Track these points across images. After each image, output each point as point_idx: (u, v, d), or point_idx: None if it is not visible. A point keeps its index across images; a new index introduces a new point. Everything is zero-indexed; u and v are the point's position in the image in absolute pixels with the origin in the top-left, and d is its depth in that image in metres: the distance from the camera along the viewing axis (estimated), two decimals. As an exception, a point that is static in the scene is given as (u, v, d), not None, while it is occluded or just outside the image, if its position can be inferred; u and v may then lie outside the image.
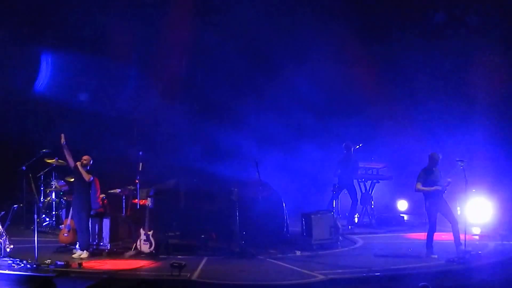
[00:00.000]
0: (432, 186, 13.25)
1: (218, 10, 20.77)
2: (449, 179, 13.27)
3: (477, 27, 18.54)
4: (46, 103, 19.96)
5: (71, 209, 13.94)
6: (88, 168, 13.52)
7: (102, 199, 14.69)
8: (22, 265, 12.12)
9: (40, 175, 16.23)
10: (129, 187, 15.97)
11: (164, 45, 20.84)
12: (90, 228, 13.58)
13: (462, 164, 13.20)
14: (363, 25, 20.39)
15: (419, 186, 13.36)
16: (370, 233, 16.43)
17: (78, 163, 13.46)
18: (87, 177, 13.34)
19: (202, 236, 14.12)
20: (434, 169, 13.41)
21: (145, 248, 13.52)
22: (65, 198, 16.12)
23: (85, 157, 13.57)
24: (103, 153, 19.72)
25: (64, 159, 14.24)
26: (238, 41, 20.94)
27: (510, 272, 12.34)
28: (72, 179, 14.61)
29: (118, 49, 20.40)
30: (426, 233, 13.55)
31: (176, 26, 20.79)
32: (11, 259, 12.37)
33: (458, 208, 13.99)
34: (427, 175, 13.37)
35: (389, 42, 19.87)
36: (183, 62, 21.05)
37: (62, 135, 13.59)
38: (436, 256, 13.21)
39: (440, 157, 13.43)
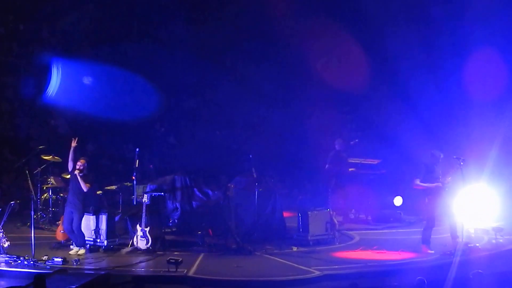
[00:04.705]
0: (433, 183, 13.28)
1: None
2: (449, 178, 13.32)
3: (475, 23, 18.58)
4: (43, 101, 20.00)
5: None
6: (84, 171, 13.39)
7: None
8: (19, 261, 12.11)
9: (37, 172, 16.21)
10: (125, 183, 16.01)
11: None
12: (84, 226, 13.54)
13: (460, 161, 13.22)
14: (361, 21, 20.46)
15: (418, 182, 13.39)
16: (366, 229, 16.48)
17: (77, 171, 13.34)
18: (86, 187, 13.27)
19: (199, 232, 14.12)
20: (435, 166, 13.45)
21: (141, 244, 13.53)
22: (61, 194, 16.12)
23: (80, 162, 13.36)
24: (100, 149, 19.85)
25: (65, 156, 14.15)
26: (227, 38, 21.04)
27: (505, 265, 12.41)
28: (68, 176, 14.60)
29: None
30: (422, 229, 13.62)
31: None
32: (8, 255, 12.35)
33: (456, 204, 14.05)
34: (428, 172, 13.40)
35: (387, 39, 19.91)
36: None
37: (76, 139, 13.52)
38: (432, 252, 13.27)
39: (442, 156, 13.47)
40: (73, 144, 13.47)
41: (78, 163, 13.37)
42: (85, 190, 13.24)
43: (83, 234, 13.43)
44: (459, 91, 18.73)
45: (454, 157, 13.39)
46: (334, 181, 16.46)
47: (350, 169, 17.43)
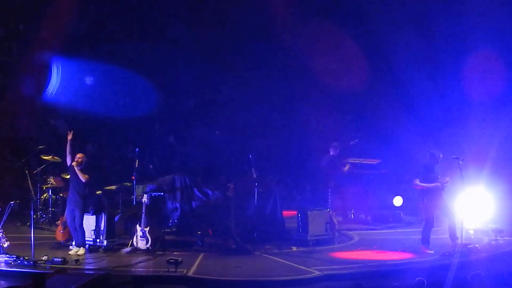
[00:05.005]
0: (432, 183, 13.28)
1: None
2: (447, 178, 13.32)
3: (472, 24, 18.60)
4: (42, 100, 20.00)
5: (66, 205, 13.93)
6: (82, 165, 13.42)
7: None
8: (19, 261, 12.11)
9: (37, 172, 16.21)
10: (125, 183, 16.00)
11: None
12: (84, 226, 13.54)
13: (459, 161, 13.23)
14: (360, 21, 20.45)
15: (418, 182, 13.39)
16: (365, 229, 16.48)
17: (74, 163, 13.38)
18: (84, 178, 13.29)
19: (199, 232, 14.13)
20: (434, 166, 13.45)
21: (141, 244, 13.53)
22: (61, 194, 16.13)
23: (79, 155, 13.49)
24: (100, 149, 19.85)
25: (63, 154, 14.19)
26: (226, 38, 21.05)
27: (504, 266, 12.41)
28: (68, 176, 14.61)
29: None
30: (422, 229, 13.63)
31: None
32: (7, 255, 12.36)
33: (455, 204, 14.07)
34: (427, 172, 13.40)
35: (386, 38, 19.91)
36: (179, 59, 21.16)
37: (71, 132, 13.56)
38: (432, 252, 13.28)
39: (441, 155, 13.47)
40: (69, 137, 13.50)
41: (77, 156, 13.40)
42: (83, 180, 13.25)
43: (84, 232, 13.44)
44: (458, 91, 18.74)
45: (453, 157, 13.39)
46: (333, 182, 16.44)
47: (345, 168, 17.35)
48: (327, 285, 11.60)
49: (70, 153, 13.54)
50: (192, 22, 21.27)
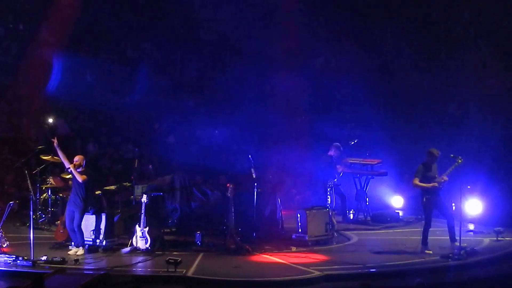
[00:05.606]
0: (430, 182, 13.26)
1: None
2: (445, 177, 13.29)
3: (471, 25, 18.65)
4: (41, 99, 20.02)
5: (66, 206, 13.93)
6: (83, 166, 13.40)
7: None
8: (18, 261, 12.11)
9: (36, 172, 16.21)
10: (124, 183, 16.00)
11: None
12: (84, 226, 13.53)
13: (458, 160, 13.21)
14: (360, 22, 20.48)
15: (417, 181, 13.37)
16: (365, 229, 16.46)
17: (71, 166, 13.35)
18: (81, 178, 13.27)
19: (198, 232, 14.13)
20: (432, 165, 13.44)
21: (141, 244, 13.52)
22: (61, 194, 16.12)
23: (76, 158, 13.46)
24: (100, 149, 19.85)
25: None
26: (226, 38, 21.07)
27: (504, 268, 12.40)
28: (68, 176, 14.61)
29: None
30: (421, 229, 13.62)
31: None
32: (7, 255, 12.35)
33: (453, 204, 14.06)
34: (425, 171, 13.39)
35: (385, 39, 19.93)
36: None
37: (54, 139, 13.53)
38: (431, 252, 13.25)
39: (439, 154, 13.46)
40: (54, 143, 13.47)
41: (74, 159, 13.39)
42: (80, 181, 13.22)
43: (83, 233, 13.43)
44: (457, 91, 18.77)
45: (452, 155, 13.37)
46: (332, 182, 16.41)
47: (341, 167, 17.23)
48: (327, 285, 11.59)
49: (63, 157, 13.48)
50: (192, 21, 21.30)
